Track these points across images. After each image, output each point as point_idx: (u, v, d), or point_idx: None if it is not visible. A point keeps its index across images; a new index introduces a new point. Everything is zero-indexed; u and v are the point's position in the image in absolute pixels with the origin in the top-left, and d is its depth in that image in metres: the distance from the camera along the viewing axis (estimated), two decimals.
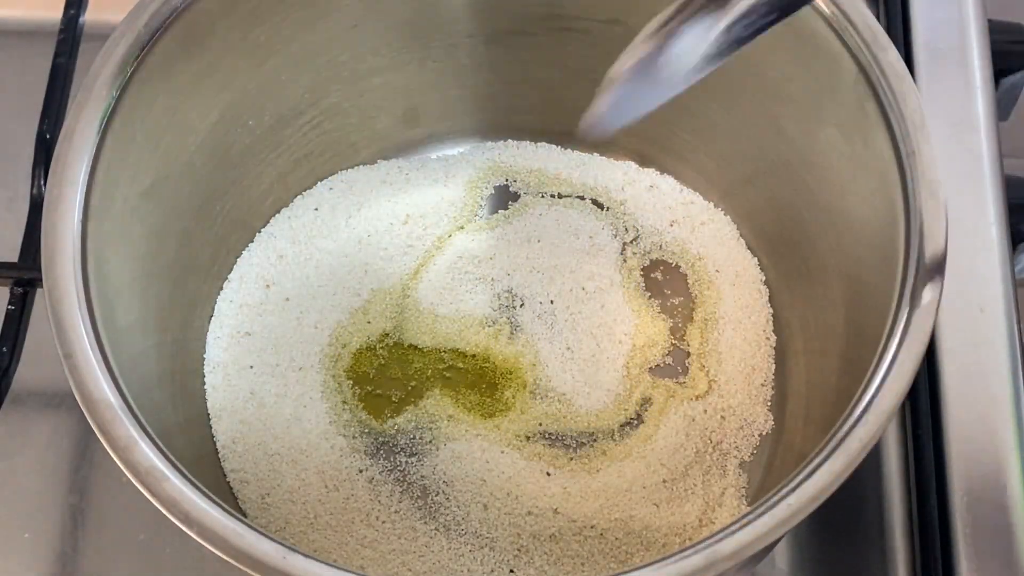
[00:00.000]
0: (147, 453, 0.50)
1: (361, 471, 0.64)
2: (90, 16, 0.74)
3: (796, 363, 0.66)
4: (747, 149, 0.67)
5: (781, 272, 0.68)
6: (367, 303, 0.69)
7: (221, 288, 0.69)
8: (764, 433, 0.65)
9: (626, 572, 0.48)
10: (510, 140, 0.74)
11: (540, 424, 0.66)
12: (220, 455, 0.64)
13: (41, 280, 0.54)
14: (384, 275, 0.70)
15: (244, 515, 0.62)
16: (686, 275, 0.70)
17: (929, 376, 0.66)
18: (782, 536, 0.48)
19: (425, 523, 0.63)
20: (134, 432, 0.50)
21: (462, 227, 0.71)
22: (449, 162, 0.73)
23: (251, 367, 0.66)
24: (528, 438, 0.65)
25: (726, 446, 0.65)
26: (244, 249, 0.70)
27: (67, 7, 0.73)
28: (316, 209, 0.71)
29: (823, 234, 0.63)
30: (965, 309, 0.67)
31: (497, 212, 0.72)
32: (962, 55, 0.74)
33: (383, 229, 0.71)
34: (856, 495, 0.64)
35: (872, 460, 0.65)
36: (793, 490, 0.48)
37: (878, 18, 0.72)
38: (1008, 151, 0.72)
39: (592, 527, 0.62)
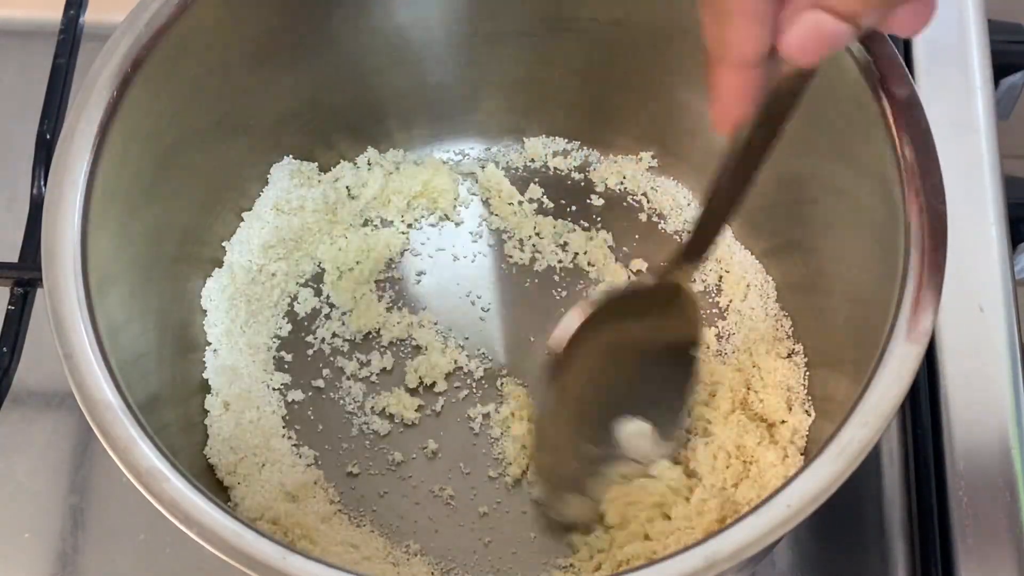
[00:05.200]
0: (147, 453, 0.50)
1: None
2: (90, 16, 0.74)
3: None
4: None
5: (784, 278, 0.68)
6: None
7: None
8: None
9: (626, 572, 0.48)
10: (508, 139, 0.74)
11: None
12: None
13: (41, 280, 0.54)
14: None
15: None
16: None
17: (929, 376, 0.66)
18: (782, 537, 0.48)
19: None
20: (134, 432, 0.50)
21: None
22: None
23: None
24: None
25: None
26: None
27: (67, 7, 0.73)
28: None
29: (824, 237, 0.63)
30: (965, 309, 0.67)
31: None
32: (962, 55, 0.74)
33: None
34: (856, 495, 0.64)
35: (872, 460, 0.65)
36: (793, 491, 0.48)
37: None
38: (1008, 151, 0.72)
39: None
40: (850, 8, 0.46)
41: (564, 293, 0.70)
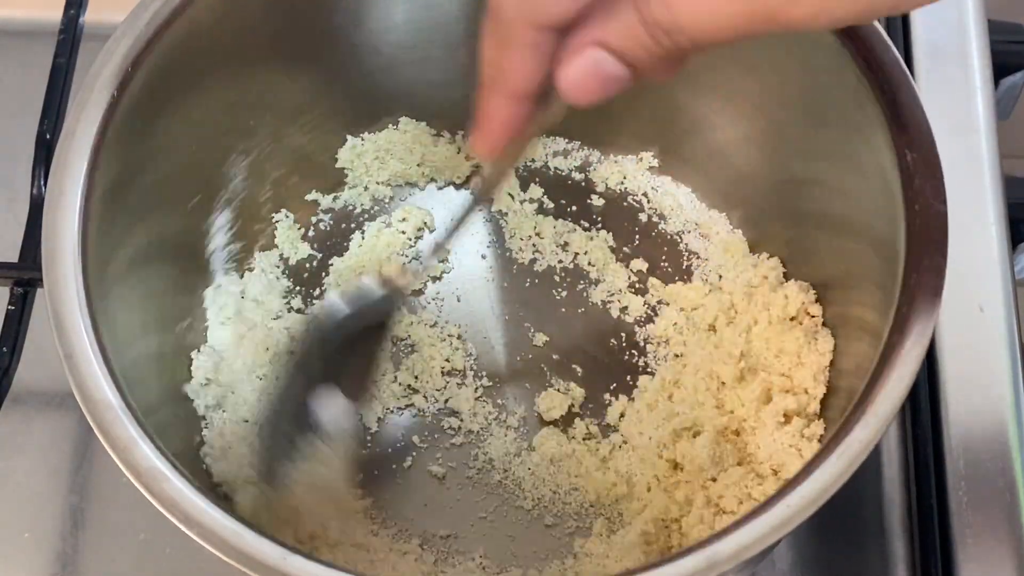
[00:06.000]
0: (147, 453, 0.50)
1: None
2: (90, 16, 0.74)
3: None
4: (748, 151, 0.67)
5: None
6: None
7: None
8: None
9: (626, 573, 0.48)
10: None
11: None
12: None
13: (41, 280, 0.54)
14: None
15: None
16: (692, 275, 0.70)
17: (929, 376, 0.66)
18: (783, 538, 0.48)
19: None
20: (134, 432, 0.50)
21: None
22: None
23: None
24: None
25: None
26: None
27: (67, 7, 0.73)
28: None
29: (825, 237, 0.63)
30: (965, 309, 0.67)
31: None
32: (962, 55, 0.74)
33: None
34: (856, 495, 0.64)
35: (872, 460, 0.65)
36: (793, 492, 0.48)
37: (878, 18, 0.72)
38: (1008, 151, 0.72)
39: None
40: (632, 53, 0.44)
41: (564, 293, 0.70)
